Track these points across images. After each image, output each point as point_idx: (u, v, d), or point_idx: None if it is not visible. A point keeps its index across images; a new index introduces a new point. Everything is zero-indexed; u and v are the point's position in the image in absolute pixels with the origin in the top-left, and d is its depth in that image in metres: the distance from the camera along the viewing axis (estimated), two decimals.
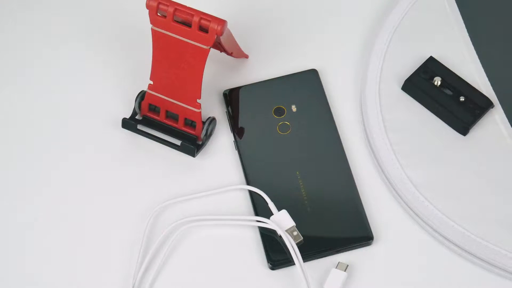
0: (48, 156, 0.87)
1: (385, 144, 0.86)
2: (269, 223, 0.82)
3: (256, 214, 0.83)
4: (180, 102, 0.85)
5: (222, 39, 0.83)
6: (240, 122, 0.88)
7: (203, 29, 0.82)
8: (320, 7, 0.94)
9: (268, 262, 0.82)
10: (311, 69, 0.90)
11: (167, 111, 0.87)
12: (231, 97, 0.89)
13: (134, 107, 0.87)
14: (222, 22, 0.81)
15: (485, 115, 0.87)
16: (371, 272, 0.81)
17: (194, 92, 0.84)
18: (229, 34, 0.85)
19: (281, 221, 0.82)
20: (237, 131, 0.87)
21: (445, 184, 0.84)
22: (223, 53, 0.89)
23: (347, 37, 0.93)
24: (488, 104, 0.87)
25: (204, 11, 0.82)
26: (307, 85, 0.90)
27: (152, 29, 0.83)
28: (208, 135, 0.87)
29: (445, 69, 0.88)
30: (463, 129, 0.86)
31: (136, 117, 0.88)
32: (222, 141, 0.88)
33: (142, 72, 0.88)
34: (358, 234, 0.82)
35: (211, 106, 0.89)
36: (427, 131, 0.87)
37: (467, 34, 0.91)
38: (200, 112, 0.85)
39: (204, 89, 0.85)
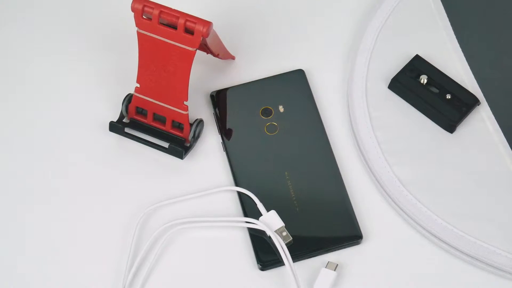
0: (35, 160, 0.87)
1: (372, 142, 0.86)
2: (258, 224, 0.82)
3: (245, 215, 0.83)
4: (167, 104, 0.85)
5: (208, 40, 0.83)
6: (227, 123, 0.88)
7: (189, 31, 0.82)
8: (306, 7, 0.94)
9: (257, 263, 0.82)
10: (298, 69, 0.90)
11: (154, 114, 0.87)
12: (218, 99, 0.89)
13: (121, 110, 0.87)
14: (208, 24, 0.81)
15: (471, 112, 0.87)
16: (361, 271, 0.82)
17: (181, 94, 0.84)
18: (215, 35, 0.85)
19: (270, 222, 0.82)
20: (225, 132, 0.88)
21: (432, 182, 0.84)
22: (209, 55, 0.89)
23: (333, 37, 0.93)
24: (474, 101, 0.87)
25: (189, 13, 0.82)
26: (294, 85, 0.90)
27: (137, 31, 0.83)
28: (195, 137, 0.87)
29: (431, 67, 0.89)
30: (450, 126, 0.87)
31: (124, 120, 0.88)
32: (210, 142, 0.88)
33: (129, 75, 0.88)
34: (347, 233, 0.82)
35: (198, 108, 0.89)
36: (414, 129, 0.87)
37: (452, 32, 0.91)
38: (188, 114, 0.85)
39: (191, 91, 0.85)
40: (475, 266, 0.81)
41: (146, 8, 0.82)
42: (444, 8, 0.93)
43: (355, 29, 0.93)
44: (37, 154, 0.87)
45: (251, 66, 0.91)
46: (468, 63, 0.90)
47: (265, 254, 0.82)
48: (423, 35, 0.91)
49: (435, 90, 0.88)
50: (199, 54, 0.88)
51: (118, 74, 0.90)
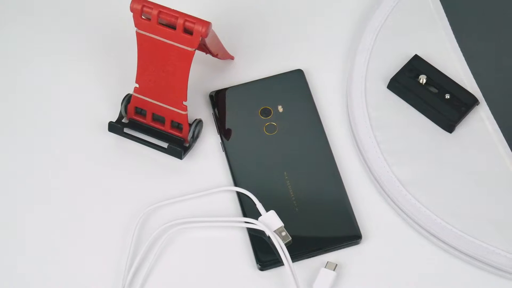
0: (35, 160, 0.87)
1: (371, 142, 0.86)
2: (257, 224, 0.82)
3: (244, 215, 0.84)
4: (166, 104, 0.85)
5: (207, 41, 0.83)
6: (226, 123, 0.88)
7: (188, 31, 0.82)
8: (306, 7, 0.94)
9: (257, 263, 0.82)
10: (297, 69, 0.90)
11: (153, 114, 0.87)
12: (217, 99, 0.89)
13: (120, 111, 0.88)
14: (207, 24, 0.81)
15: (470, 112, 0.87)
16: (360, 271, 0.82)
17: (180, 94, 0.84)
18: (214, 35, 0.85)
19: (270, 222, 0.82)
20: (224, 132, 0.88)
21: (431, 182, 0.84)
22: (208, 55, 0.89)
23: (332, 36, 0.93)
24: (474, 101, 0.87)
25: (188, 13, 0.82)
26: (293, 85, 0.90)
27: (136, 32, 0.83)
28: (195, 137, 0.87)
29: (430, 67, 0.89)
30: (449, 126, 0.87)
31: (123, 120, 0.88)
32: (209, 143, 0.88)
33: (128, 75, 0.88)
34: (347, 233, 0.83)
35: (198, 108, 0.89)
36: (413, 129, 0.87)
37: (451, 31, 0.91)
38: (187, 114, 0.85)
39: (190, 91, 0.85)
40: (474, 266, 0.82)
41: (145, 8, 0.82)
42: (443, 7, 0.92)
43: (354, 29, 0.93)
44: (37, 154, 0.87)
45: (250, 66, 0.91)
46: (467, 63, 0.90)
47: (264, 254, 0.82)
48: (422, 35, 0.91)
49: (434, 90, 0.88)
50: (198, 54, 0.88)
51: (118, 74, 0.90)
